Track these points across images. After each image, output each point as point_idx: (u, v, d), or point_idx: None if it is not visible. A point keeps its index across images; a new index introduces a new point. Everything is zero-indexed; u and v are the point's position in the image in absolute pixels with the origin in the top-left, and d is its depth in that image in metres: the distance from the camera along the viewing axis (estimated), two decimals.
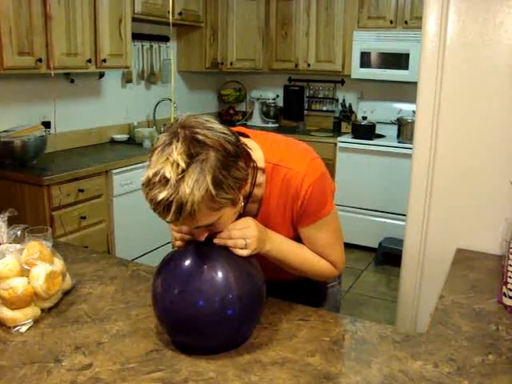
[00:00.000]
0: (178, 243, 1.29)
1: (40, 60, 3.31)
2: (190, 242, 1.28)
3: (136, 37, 4.40)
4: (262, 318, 1.34)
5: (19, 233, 1.49)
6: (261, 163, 1.33)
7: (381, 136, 4.86)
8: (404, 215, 2.33)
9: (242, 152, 1.18)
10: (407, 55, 4.59)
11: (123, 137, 4.46)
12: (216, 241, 1.24)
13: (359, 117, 5.11)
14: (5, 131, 3.39)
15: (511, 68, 1.94)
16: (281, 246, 1.36)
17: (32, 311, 1.35)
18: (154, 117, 4.86)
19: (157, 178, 1.07)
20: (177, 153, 1.06)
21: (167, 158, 1.07)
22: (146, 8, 4.16)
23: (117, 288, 1.57)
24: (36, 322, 1.35)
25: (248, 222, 1.27)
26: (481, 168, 2.06)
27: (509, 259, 1.52)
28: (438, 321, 1.44)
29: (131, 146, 4.28)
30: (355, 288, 4.11)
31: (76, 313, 1.42)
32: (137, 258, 3.80)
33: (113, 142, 4.42)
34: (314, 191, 1.33)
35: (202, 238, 1.24)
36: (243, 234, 1.24)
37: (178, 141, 1.08)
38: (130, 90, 4.68)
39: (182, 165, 1.06)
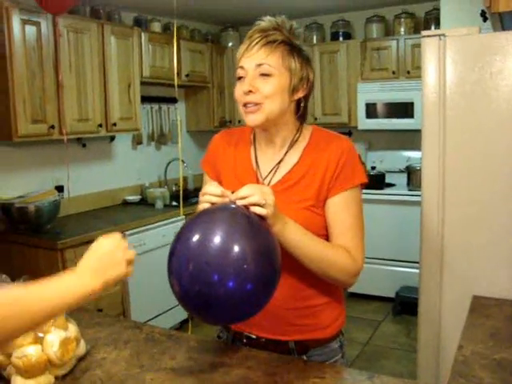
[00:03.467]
0: (202, 206, 1.28)
1: (52, 127, 3.41)
2: (210, 208, 1.27)
3: (145, 99, 4.51)
4: (278, 378, 1.32)
5: None
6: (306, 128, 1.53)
7: (391, 185, 4.87)
8: (419, 263, 2.31)
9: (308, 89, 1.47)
10: (412, 104, 4.65)
11: (135, 198, 4.51)
12: (235, 198, 1.24)
13: (368, 167, 5.13)
14: (19, 197, 3.45)
15: (511, 114, 1.97)
16: (294, 225, 1.33)
17: (46, 379, 1.33)
18: (165, 177, 4.92)
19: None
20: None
21: None
22: (153, 72, 4.30)
23: (131, 352, 1.56)
24: None
25: (266, 187, 1.30)
26: (491, 212, 2.05)
27: None
28: (457, 373, 1.41)
29: (143, 206, 4.33)
30: (374, 340, 4.02)
31: (90, 379, 1.40)
32: (153, 319, 3.78)
33: (125, 203, 4.47)
34: (351, 153, 1.45)
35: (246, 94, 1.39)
36: (263, 194, 1.24)
37: None
38: (141, 152, 4.77)
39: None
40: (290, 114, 1.47)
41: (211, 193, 1.28)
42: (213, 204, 1.27)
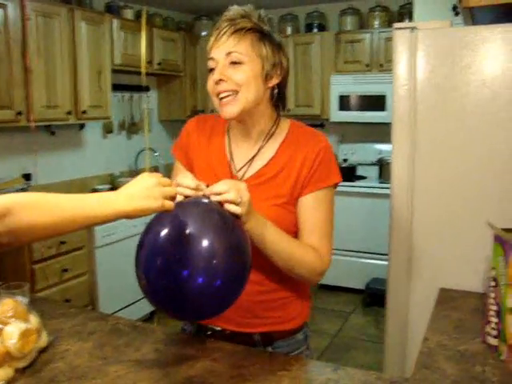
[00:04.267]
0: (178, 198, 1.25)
1: (20, 113, 3.33)
2: (183, 201, 1.24)
3: (116, 87, 4.44)
4: (244, 370, 1.31)
5: None
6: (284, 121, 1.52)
7: (362, 177, 4.90)
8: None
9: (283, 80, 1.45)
10: (384, 97, 4.68)
11: (105, 187, 4.44)
12: (210, 193, 1.22)
13: (340, 159, 5.15)
14: None
15: (480, 108, 1.98)
16: (267, 224, 1.32)
17: (4, 372, 1.30)
18: (136, 166, 4.87)
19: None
20: None
21: None
22: (125, 59, 4.23)
23: (95, 343, 1.53)
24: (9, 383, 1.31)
25: (242, 184, 1.26)
26: (459, 206, 2.07)
27: (489, 298, 1.51)
28: (422, 365, 1.42)
29: None
30: (344, 331, 4.05)
31: (52, 372, 1.37)
32: (121, 310, 3.74)
33: (95, 192, 4.39)
34: (328, 152, 1.44)
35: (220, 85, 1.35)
36: (238, 191, 1.22)
37: None
38: (111, 141, 4.70)
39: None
40: (265, 104, 1.44)
41: (185, 185, 1.25)
42: (186, 197, 1.24)
